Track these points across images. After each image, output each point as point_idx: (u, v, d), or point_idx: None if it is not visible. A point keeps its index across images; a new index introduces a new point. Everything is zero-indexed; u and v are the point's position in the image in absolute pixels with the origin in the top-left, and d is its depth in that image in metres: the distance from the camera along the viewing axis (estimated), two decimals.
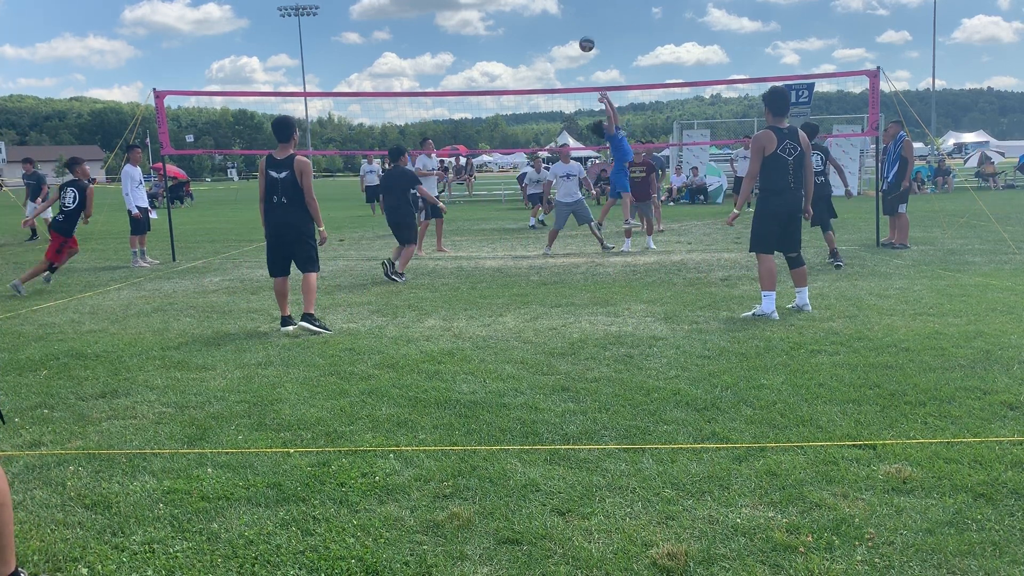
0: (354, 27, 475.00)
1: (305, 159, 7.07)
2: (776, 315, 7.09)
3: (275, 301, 7.52)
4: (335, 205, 31.45)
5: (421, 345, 6.42)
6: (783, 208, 7.16)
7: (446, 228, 19.15)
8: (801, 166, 7.17)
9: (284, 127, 7.08)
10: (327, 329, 7.06)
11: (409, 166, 11.70)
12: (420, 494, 3.56)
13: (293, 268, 7.35)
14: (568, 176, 13.24)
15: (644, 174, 13.93)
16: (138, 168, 13.17)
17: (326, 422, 4.55)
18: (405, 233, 10.59)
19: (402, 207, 10.54)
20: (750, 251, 7.46)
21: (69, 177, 10.76)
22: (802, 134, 7.24)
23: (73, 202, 10.35)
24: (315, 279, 7.25)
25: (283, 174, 6.99)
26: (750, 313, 7.23)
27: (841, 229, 15.65)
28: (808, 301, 7.45)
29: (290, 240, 7.14)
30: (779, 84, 7.89)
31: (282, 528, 3.27)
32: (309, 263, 7.22)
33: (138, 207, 12.83)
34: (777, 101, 7.23)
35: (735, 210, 7.40)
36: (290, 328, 7.09)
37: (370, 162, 25.59)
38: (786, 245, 7.35)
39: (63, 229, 10.32)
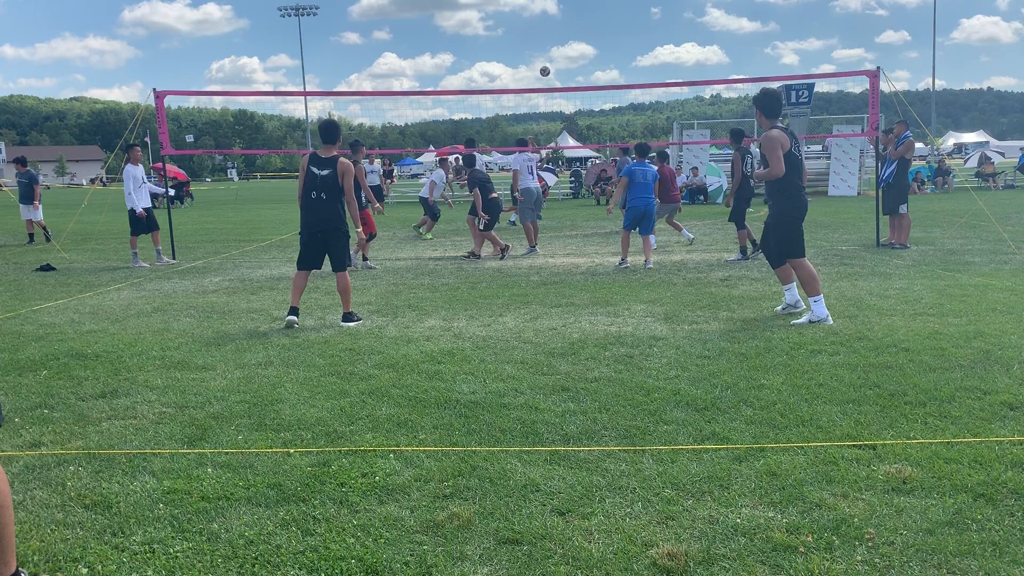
0: (354, 27, 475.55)
1: (348, 162, 7.34)
2: (831, 320, 6.80)
3: (277, 299, 7.54)
4: None
5: (421, 345, 6.42)
6: (805, 207, 7.05)
7: (445, 228, 19.18)
8: (804, 165, 7.13)
9: (331, 129, 7.52)
10: (360, 319, 7.51)
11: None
12: (420, 494, 3.56)
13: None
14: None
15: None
16: (140, 167, 13.02)
17: (326, 422, 4.55)
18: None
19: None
20: (787, 258, 7.01)
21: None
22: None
23: None
24: (348, 277, 7.49)
25: (325, 171, 7.27)
26: (804, 319, 6.85)
27: (841, 229, 15.65)
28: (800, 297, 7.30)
29: (326, 237, 7.35)
30: (770, 85, 7.64)
31: (282, 528, 3.27)
32: (343, 260, 7.45)
33: (143, 207, 12.79)
34: (771, 102, 7.02)
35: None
36: (294, 319, 7.29)
37: (371, 162, 25.55)
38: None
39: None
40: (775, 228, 7.09)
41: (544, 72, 14.78)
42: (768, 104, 6.98)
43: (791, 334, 6.42)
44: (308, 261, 7.45)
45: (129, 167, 12.91)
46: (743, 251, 11.69)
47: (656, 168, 11.93)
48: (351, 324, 7.31)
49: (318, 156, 7.35)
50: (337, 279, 7.44)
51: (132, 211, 12.76)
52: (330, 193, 7.24)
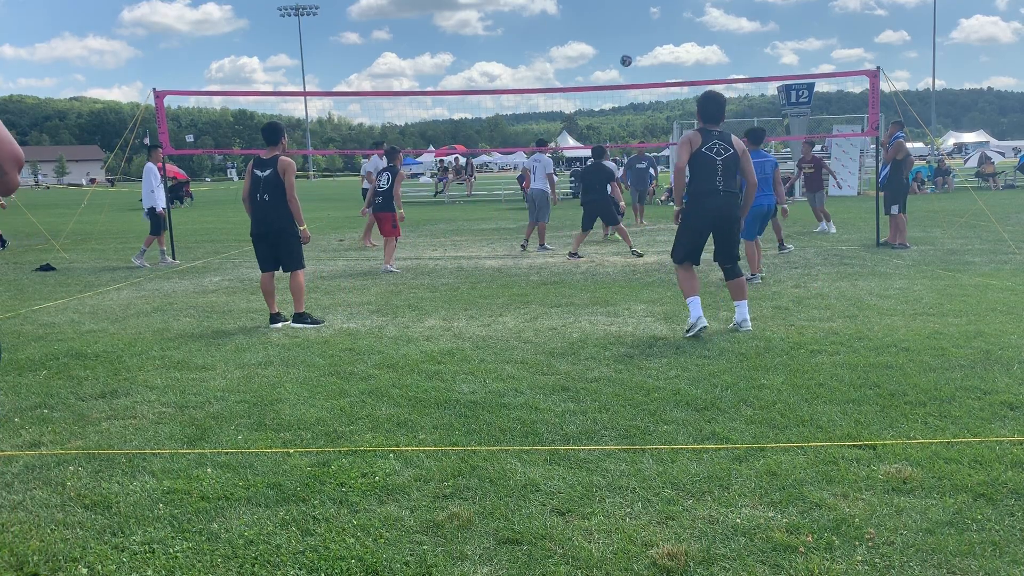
0: (353, 27, 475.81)
1: (289, 159, 7.29)
2: (704, 320, 6.36)
3: (277, 299, 7.54)
4: (335, 205, 31.46)
5: (421, 345, 6.42)
6: (708, 213, 6.43)
7: (445, 228, 19.18)
8: (733, 169, 6.46)
9: (272, 132, 7.44)
10: (319, 321, 7.38)
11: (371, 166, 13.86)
12: (420, 494, 3.56)
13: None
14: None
15: (813, 169, 15.71)
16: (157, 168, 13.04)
17: (326, 422, 4.55)
18: (609, 218, 12.97)
19: (602, 197, 12.63)
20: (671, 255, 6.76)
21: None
22: (736, 139, 6.59)
23: (386, 183, 11.68)
24: (302, 277, 7.42)
25: (267, 172, 7.24)
26: (687, 331, 6.42)
27: (841, 229, 15.65)
28: (748, 317, 6.63)
29: (272, 238, 7.31)
30: (713, 89, 6.85)
31: (282, 528, 3.27)
32: (293, 261, 7.37)
33: (161, 207, 12.78)
34: (707, 107, 6.54)
35: (675, 207, 6.72)
36: (279, 325, 7.28)
37: (371, 161, 25.53)
38: (718, 255, 6.66)
39: (384, 207, 11.65)
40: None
41: (626, 62, 15.77)
42: (703, 108, 6.58)
43: (791, 334, 6.42)
44: (266, 263, 7.42)
45: (149, 165, 12.91)
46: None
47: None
48: (301, 326, 7.23)
49: (261, 159, 7.34)
50: (290, 278, 7.39)
51: (152, 210, 12.75)
52: (272, 193, 7.19)
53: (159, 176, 12.91)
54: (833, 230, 15.17)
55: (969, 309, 7.24)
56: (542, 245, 13.79)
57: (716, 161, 6.42)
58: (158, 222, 12.77)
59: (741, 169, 6.57)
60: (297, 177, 7.42)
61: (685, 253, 6.59)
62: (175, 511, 3.43)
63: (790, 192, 26.62)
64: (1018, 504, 3.30)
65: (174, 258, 13.21)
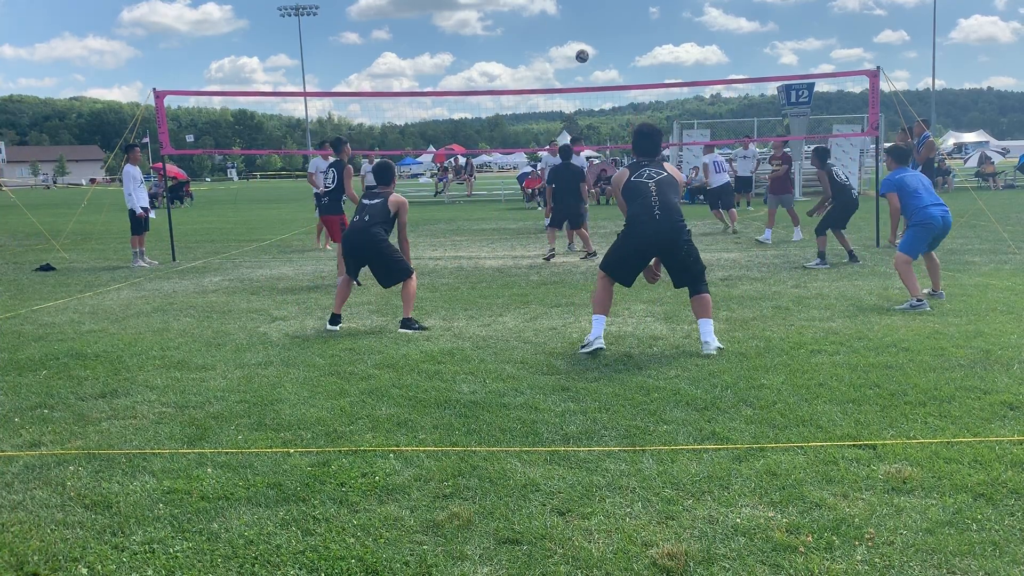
0: (353, 27, 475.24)
1: (403, 198, 7.30)
2: (602, 342, 5.98)
3: (277, 299, 7.55)
4: None
5: (421, 345, 6.42)
6: (645, 239, 6.03)
7: (445, 228, 19.18)
8: (670, 191, 6.04)
9: (384, 172, 7.58)
10: (424, 328, 7.11)
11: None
12: (420, 494, 3.56)
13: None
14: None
15: (781, 169, 15.01)
16: (138, 168, 13.13)
17: (326, 422, 4.56)
18: (576, 220, 12.45)
19: (572, 198, 12.29)
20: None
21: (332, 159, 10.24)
22: (671, 168, 6.25)
23: (333, 182, 9.99)
24: (413, 284, 7.21)
25: (375, 201, 7.29)
26: (582, 347, 6.06)
27: None
28: (712, 339, 5.96)
29: (362, 255, 7.22)
30: (647, 122, 6.56)
31: (282, 528, 3.27)
32: (397, 273, 7.19)
33: (141, 207, 12.82)
34: (640, 142, 6.30)
35: None
36: (336, 328, 7.12)
37: (371, 161, 25.59)
38: (678, 282, 6.21)
39: (332, 209, 10.15)
40: None
41: (582, 57, 15.31)
42: (634, 143, 6.36)
43: (791, 334, 6.42)
44: (351, 269, 7.42)
45: (128, 167, 12.95)
46: (822, 256, 11.11)
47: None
48: (407, 331, 6.97)
49: (374, 191, 7.47)
50: (403, 287, 7.19)
51: (132, 211, 12.79)
52: (372, 215, 7.15)
53: (137, 178, 12.94)
54: (799, 236, 14.18)
55: (969, 309, 7.24)
56: (570, 245, 13.62)
57: (648, 185, 6.04)
58: (136, 223, 12.80)
59: (674, 190, 6.12)
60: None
61: (615, 268, 6.16)
62: (175, 511, 3.43)
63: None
64: (1018, 504, 3.30)
65: (150, 261, 12.96)
